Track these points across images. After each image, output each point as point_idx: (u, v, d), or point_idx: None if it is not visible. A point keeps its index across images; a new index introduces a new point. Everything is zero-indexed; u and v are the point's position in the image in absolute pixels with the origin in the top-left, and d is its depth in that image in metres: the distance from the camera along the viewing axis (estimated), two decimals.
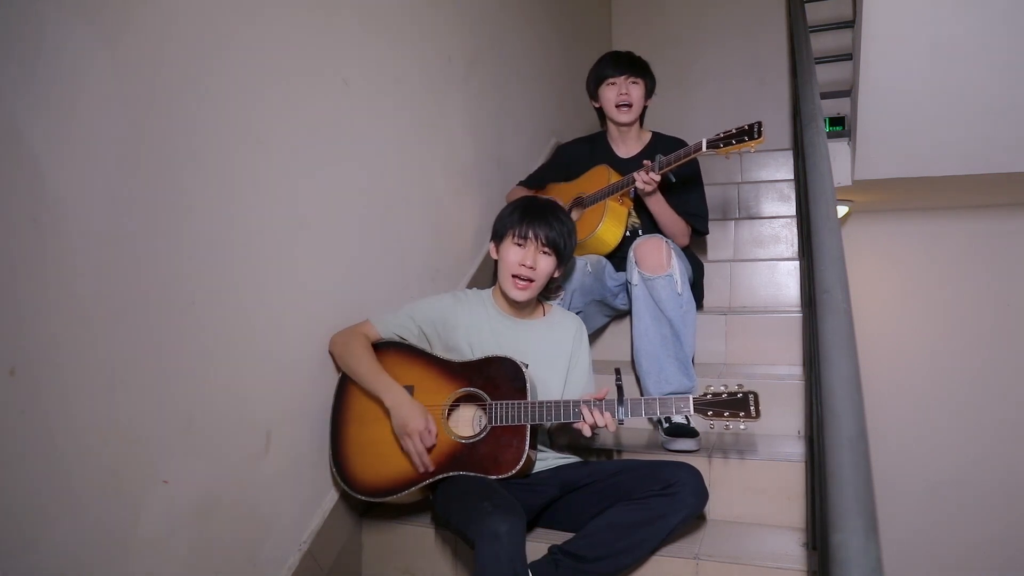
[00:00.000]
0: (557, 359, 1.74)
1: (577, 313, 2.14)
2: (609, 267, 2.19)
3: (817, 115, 1.79)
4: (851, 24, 2.93)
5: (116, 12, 1.13)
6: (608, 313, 2.34)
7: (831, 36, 3.24)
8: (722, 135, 1.95)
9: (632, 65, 2.28)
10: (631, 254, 2.05)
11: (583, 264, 2.11)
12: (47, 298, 1.02)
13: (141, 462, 1.17)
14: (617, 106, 2.29)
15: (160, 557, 1.21)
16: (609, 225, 2.20)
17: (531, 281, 1.69)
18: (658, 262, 1.98)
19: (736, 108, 4.10)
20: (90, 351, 1.08)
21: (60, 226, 1.04)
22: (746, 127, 1.92)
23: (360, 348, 1.63)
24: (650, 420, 2.10)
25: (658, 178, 2.07)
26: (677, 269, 1.98)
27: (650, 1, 4.41)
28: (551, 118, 3.23)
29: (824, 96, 2.84)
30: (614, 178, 2.23)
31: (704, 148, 1.97)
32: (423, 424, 1.54)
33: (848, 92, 3.11)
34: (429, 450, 1.55)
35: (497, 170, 2.61)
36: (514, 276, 1.68)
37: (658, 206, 2.18)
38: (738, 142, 1.92)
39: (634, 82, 2.28)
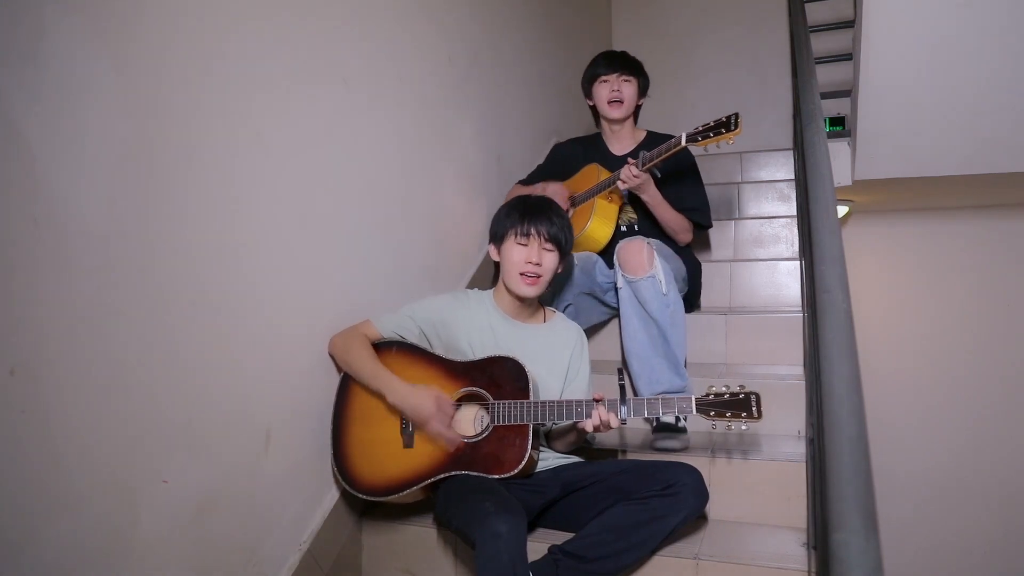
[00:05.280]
0: (557, 364, 1.74)
1: (567, 307, 2.15)
2: (600, 263, 2.20)
3: (817, 115, 1.79)
4: (851, 24, 2.93)
5: (117, 12, 1.13)
6: (606, 311, 2.34)
7: (831, 36, 3.25)
8: (700, 128, 1.96)
9: (625, 64, 2.30)
10: (615, 258, 2.06)
11: (572, 258, 2.12)
12: (47, 298, 1.02)
13: (141, 462, 1.17)
14: (609, 102, 2.30)
15: (160, 557, 1.21)
16: (598, 223, 2.21)
17: (538, 277, 1.69)
18: (640, 264, 1.98)
19: (736, 108, 4.07)
20: (90, 351, 1.08)
21: (60, 226, 1.04)
22: (723, 119, 1.92)
23: (360, 347, 1.63)
24: (645, 420, 2.10)
25: (641, 175, 2.07)
26: (660, 270, 1.98)
27: (651, 0, 4.41)
28: (551, 117, 3.23)
29: (824, 96, 2.84)
30: (604, 176, 2.24)
31: (683, 142, 1.98)
32: (434, 405, 1.53)
33: (848, 92, 3.11)
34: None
35: (497, 169, 2.61)
36: (522, 274, 1.69)
37: (656, 204, 2.18)
38: (716, 134, 1.93)
39: (626, 80, 2.30)
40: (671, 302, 1.99)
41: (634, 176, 2.07)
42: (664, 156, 2.03)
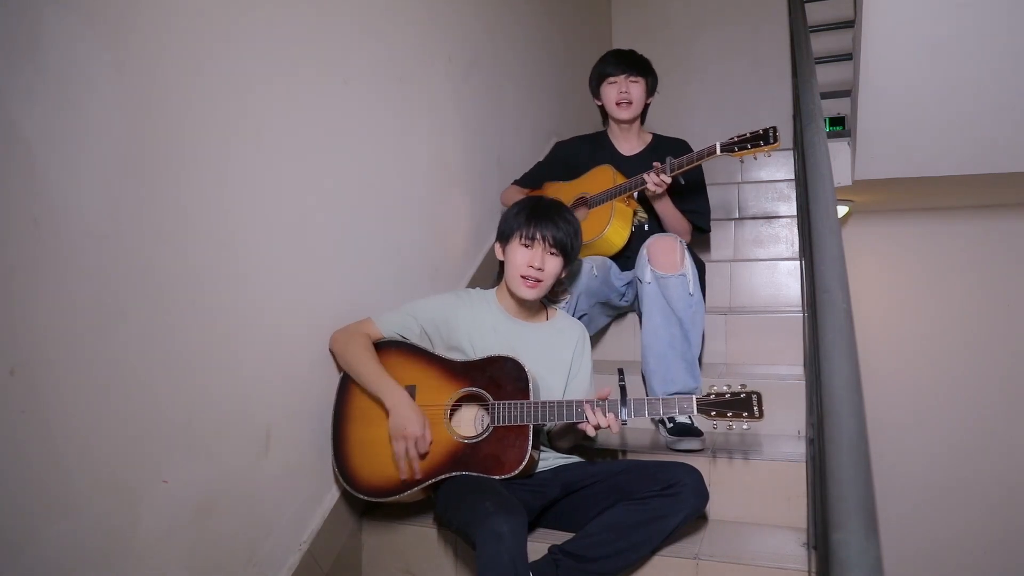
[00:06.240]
0: (559, 363, 1.74)
1: (582, 316, 2.14)
2: (614, 268, 2.19)
3: (817, 115, 1.79)
4: (851, 24, 2.93)
5: (117, 13, 1.13)
6: (610, 313, 2.34)
7: (831, 36, 3.25)
8: (736, 139, 1.94)
9: (633, 64, 2.29)
10: (643, 251, 2.05)
11: (588, 267, 2.10)
12: (47, 298, 1.02)
13: (141, 462, 1.17)
14: (617, 103, 2.29)
15: (160, 557, 1.21)
16: (616, 226, 2.20)
17: (540, 281, 1.69)
18: (672, 261, 1.98)
19: (736, 107, 4.10)
20: (90, 351, 1.08)
21: (60, 226, 1.04)
22: (761, 131, 1.91)
23: (361, 347, 1.63)
24: (652, 420, 2.10)
25: (669, 180, 2.07)
26: (690, 269, 1.98)
27: (651, 0, 4.41)
28: (551, 117, 3.23)
29: (824, 96, 2.83)
30: (619, 179, 2.23)
31: (718, 152, 1.97)
32: (420, 430, 1.53)
33: (848, 92, 3.11)
34: (422, 457, 1.56)
35: (497, 169, 2.61)
36: (523, 276, 1.68)
37: (664, 206, 2.18)
38: (753, 146, 1.91)
39: (634, 81, 2.28)
40: (695, 303, 1.99)
41: (665, 182, 2.07)
42: (695, 163, 2.02)
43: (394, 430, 1.55)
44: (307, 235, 1.59)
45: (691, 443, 1.85)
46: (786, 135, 3.26)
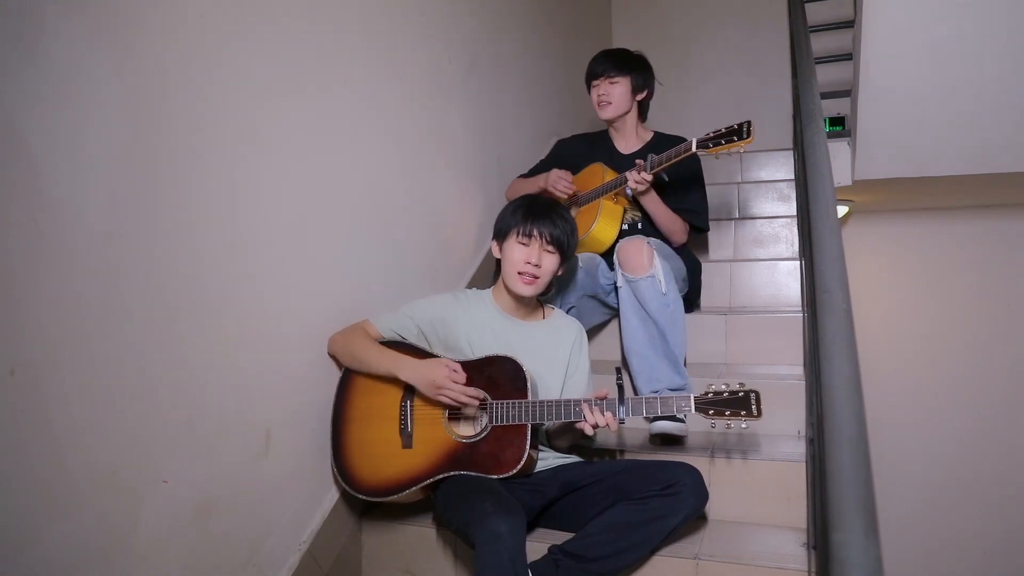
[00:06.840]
0: (556, 362, 1.74)
1: (570, 308, 2.15)
2: (603, 265, 2.20)
3: (817, 115, 1.79)
4: (851, 24, 2.93)
5: (119, 15, 1.13)
6: (606, 312, 2.34)
7: (831, 36, 3.25)
8: (711, 135, 1.95)
9: (613, 64, 2.27)
10: (615, 256, 2.06)
11: (575, 261, 2.12)
12: (47, 298, 1.02)
13: (141, 462, 1.18)
14: (598, 104, 2.30)
15: (160, 557, 1.21)
16: (603, 224, 2.21)
17: (537, 277, 1.69)
18: (639, 263, 1.98)
19: (736, 107, 4.09)
20: (90, 351, 1.08)
21: (60, 226, 1.04)
22: (735, 126, 1.90)
23: (362, 338, 1.64)
24: (645, 418, 2.10)
25: (650, 177, 2.07)
26: (660, 269, 1.97)
27: (651, 0, 4.41)
28: (551, 117, 3.23)
29: (824, 96, 2.84)
30: (608, 176, 2.23)
31: (694, 148, 1.97)
32: (445, 371, 1.54)
33: (848, 92, 3.11)
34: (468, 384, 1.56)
35: (497, 170, 2.61)
36: (520, 273, 1.68)
37: (652, 204, 2.18)
38: (727, 142, 1.91)
39: (613, 81, 2.27)
40: (670, 302, 1.99)
41: (646, 180, 2.07)
42: (673, 161, 2.02)
43: (428, 392, 1.56)
44: (307, 236, 1.59)
45: (668, 426, 1.85)
46: (786, 135, 3.27)
